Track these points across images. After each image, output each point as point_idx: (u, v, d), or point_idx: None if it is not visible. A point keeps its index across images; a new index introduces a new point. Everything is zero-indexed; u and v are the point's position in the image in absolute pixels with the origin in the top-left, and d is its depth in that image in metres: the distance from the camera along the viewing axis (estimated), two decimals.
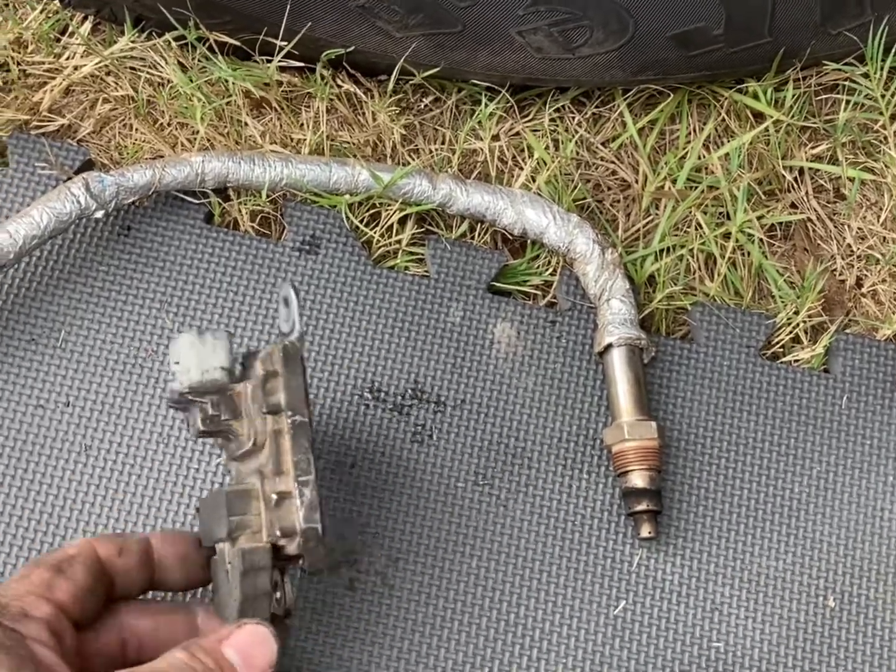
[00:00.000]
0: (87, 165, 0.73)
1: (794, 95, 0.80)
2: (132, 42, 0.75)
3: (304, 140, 0.75)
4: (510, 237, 0.76)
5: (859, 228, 0.80)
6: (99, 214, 0.69)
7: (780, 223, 0.80)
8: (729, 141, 0.80)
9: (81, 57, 0.76)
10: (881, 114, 0.80)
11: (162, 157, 0.75)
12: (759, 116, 0.80)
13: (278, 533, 0.54)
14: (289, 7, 0.70)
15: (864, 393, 0.74)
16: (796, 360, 0.75)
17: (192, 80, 0.74)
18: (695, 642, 0.68)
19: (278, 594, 0.55)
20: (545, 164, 0.76)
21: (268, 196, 0.72)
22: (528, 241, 0.76)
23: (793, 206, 0.80)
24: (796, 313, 0.75)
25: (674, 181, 0.78)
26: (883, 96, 0.79)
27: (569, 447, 0.71)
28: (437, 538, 0.68)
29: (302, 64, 0.74)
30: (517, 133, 0.79)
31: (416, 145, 0.78)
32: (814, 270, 0.78)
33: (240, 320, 0.71)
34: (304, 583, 0.66)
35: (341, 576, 0.67)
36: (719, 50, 0.75)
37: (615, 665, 0.67)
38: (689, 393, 0.73)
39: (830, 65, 0.80)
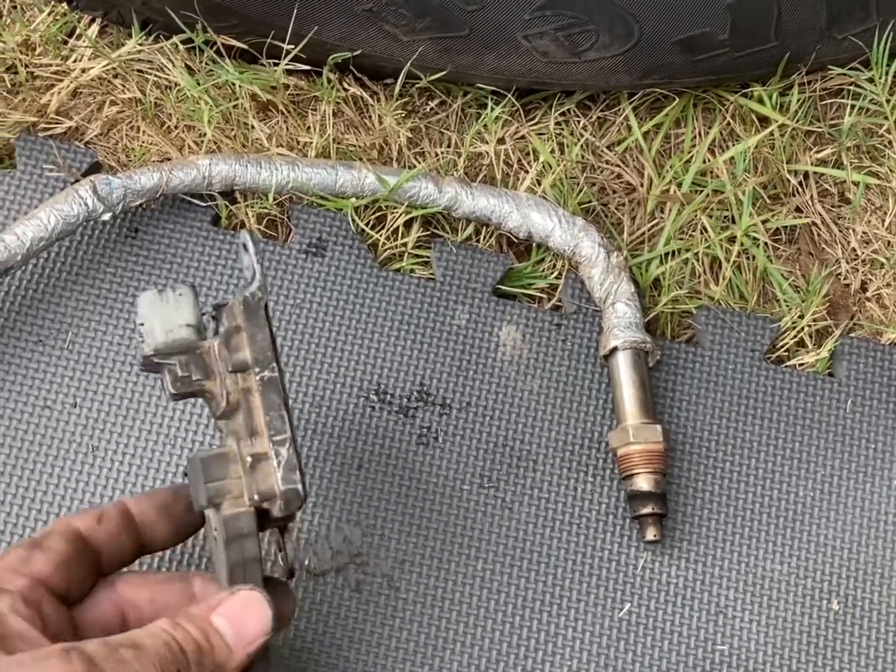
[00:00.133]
0: (95, 168, 0.74)
1: (799, 100, 0.80)
2: (140, 45, 0.75)
3: (311, 143, 0.75)
4: (515, 240, 0.76)
5: (864, 232, 0.80)
6: (106, 217, 0.69)
7: (785, 227, 0.80)
8: (734, 145, 0.80)
9: (89, 59, 0.76)
10: (886, 118, 0.80)
11: (169, 159, 0.75)
12: (765, 120, 0.80)
13: (257, 497, 0.51)
14: (296, 11, 0.70)
15: (868, 397, 0.74)
16: (801, 364, 0.75)
17: (199, 83, 0.74)
18: (699, 645, 0.68)
19: (281, 554, 0.52)
20: (550, 167, 0.77)
21: (274, 199, 0.72)
22: (534, 245, 0.76)
23: (798, 210, 0.80)
24: (801, 317, 0.75)
25: (679, 185, 0.78)
26: (888, 101, 0.79)
27: (574, 450, 0.71)
28: (443, 540, 0.68)
29: (309, 67, 0.75)
30: (523, 136, 0.79)
31: (422, 148, 0.79)
32: (818, 274, 0.78)
33: None
34: (310, 585, 0.66)
35: (347, 578, 0.67)
36: (724, 54, 0.75)
37: (620, 668, 0.67)
38: (694, 396, 0.73)
39: (835, 69, 0.80)
